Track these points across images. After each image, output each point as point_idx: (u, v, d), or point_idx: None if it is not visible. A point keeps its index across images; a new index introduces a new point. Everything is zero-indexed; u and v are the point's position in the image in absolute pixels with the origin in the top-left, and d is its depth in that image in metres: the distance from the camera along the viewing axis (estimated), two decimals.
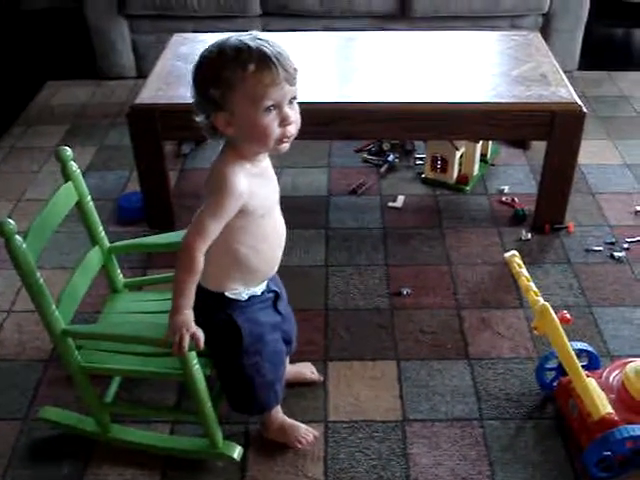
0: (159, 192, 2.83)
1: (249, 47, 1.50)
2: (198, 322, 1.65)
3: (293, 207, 2.98)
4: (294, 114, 1.58)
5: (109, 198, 3.11)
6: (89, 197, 2.00)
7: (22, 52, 4.64)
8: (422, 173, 3.21)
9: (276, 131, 1.56)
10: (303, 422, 2.07)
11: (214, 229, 1.59)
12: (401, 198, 3.06)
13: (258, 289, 1.81)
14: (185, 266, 1.61)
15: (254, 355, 1.82)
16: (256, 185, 1.63)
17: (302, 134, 2.76)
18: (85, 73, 4.31)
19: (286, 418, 2.04)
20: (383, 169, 3.25)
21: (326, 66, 2.97)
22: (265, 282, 1.83)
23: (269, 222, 1.73)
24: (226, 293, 1.75)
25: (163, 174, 2.79)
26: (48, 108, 4.03)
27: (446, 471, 1.97)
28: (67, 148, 1.93)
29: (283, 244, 1.81)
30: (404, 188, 3.15)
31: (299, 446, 2.01)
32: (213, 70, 1.53)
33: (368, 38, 3.29)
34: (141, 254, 2.71)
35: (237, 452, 1.99)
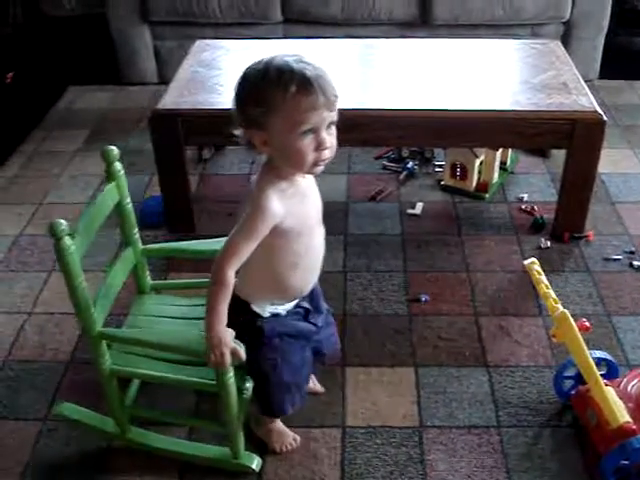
0: (180, 197, 2.86)
1: (292, 70, 1.51)
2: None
3: None
4: (330, 139, 1.58)
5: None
6: (129, 198, 2.03)
7: (45, 57, 4.68)
8: (441, 180, 3.21)
9: (311, 155, 1.56)
10: (321, 427, 2.09)
11: (245, 250, 1.61)
12: (420, 205, 3.06)
13: (282, 309, 1.82)
14: (216, 284, 1.64)
15: (272, 351, 1.82)
16: (292, 205, 1.63)
17: None
18: (107, 79, 4.35)
19: (279, 423, 2.05)
20: (402, 176, 3.26)
21: (347, 73, 2.97)
22: (293, 302, 1.84)
23: (307, 240, 1.72)
24: (252, 305, 1.78)
25: (184, 179, 2.81)
26: (70, 113, 4.08)
27: (463, 478, 1.97)
28: (114, 148, 1.94)
29: (321, 259, 1.82)
30: (423, 195, 3.16)
31: (279, 452, 2.03)
32: (254, 89, 1.55)
33: (389, 45, 3.30)
34: (161, 258, 2.72)
35: (256, 463, 1.99)
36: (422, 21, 4.04)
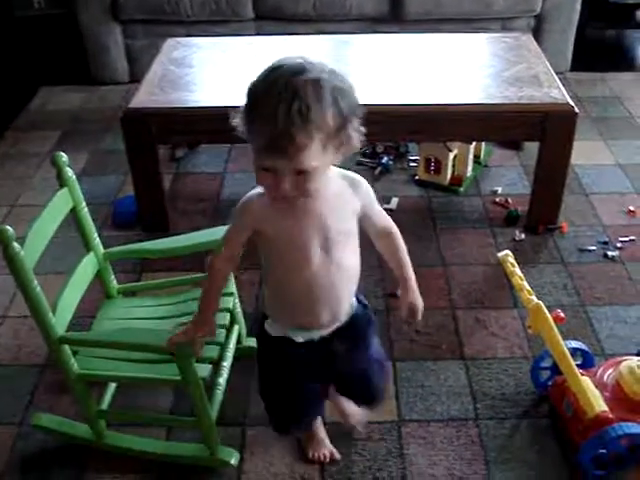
0: (153, 196, 2.84)
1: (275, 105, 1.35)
2: None
3: None
4: (286, 187, 1.40)
5: (104, 202, 3.11)
6: (84, 203, 2.01)
7: (15, 58, 4.64)
8: (416, 175, 3.22)
9: (270, 191, 1.45)
10: None
11: (228, 248, 1.64)
12: (395, 200, 3.07)
13: (296, 336, 1.69)
14: (208, 277, 1.71)
15: (266, 376, 1.83)
16: (278, 214, 1.52)
17: None
18: (78, 78, 4.31)
19: (322, 431, 2.03)
20: (377, 171, 3.26)
21: None
22: (307, 334, 1.70)
23: (301, 259, 1.56)
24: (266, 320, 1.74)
25: (157, 178, 2.79)
26: (42, 114, 4.03)
27: (442, 471, 1.98)
28: (62, 154, 1.93)
29: (334, 292, 1.64)
30: (398, 190, 3.16)
31: (310, 458, 2.00)
32: (246, 101, 1.44)
33: (361, 41, 3.30)
34: (135, 259, 2.70)
35: (234, 458, 1.99)
36: (393, 16, 4.04)
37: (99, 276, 2.12)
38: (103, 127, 3.78)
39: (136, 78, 4.00)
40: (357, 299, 1.76)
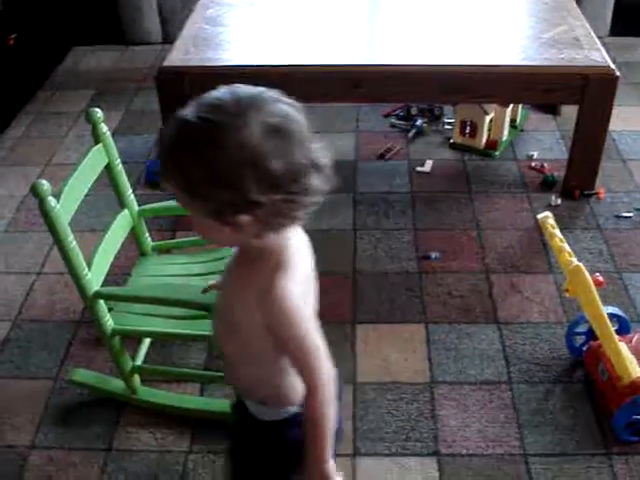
0: None
1: None
2: None
3: None
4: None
5: (137, 161, 3.11)
6: (118, 160, 2.00)
7: (47, 18, 4.63)
8: (450, 138, 3.18)
9: None
10: None
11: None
12: (429, 163, 3.04)
13: None
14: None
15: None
16: None
17: (329, 97, 2.79)
18: (111, 39, 4.30)
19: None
20: (411, 134, 3.23)
21: (353, 27, 2.93)
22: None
23: None
24: None
25: None
26: (74, 73, 4.03)
27: (474, 433, 1.97)
28: (98, 110, 1.92)
29: None
30: (432, 153, 3.13)
31: None
32: None
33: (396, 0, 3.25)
34: (170, 216, 2.71)
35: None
36: None
37: (134, 233, 2.12)
38: (136, 87, 3.78)
39: (168, 39, 3.99)
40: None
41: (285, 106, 1.10)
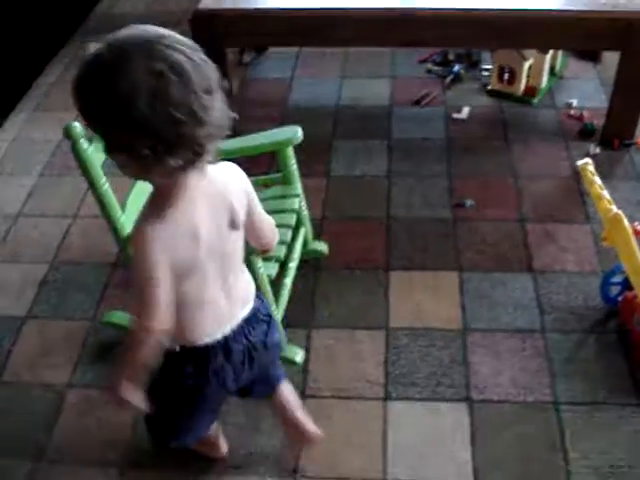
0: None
1: None
2: None
3: (355, 117, 2.98)
4: None
5: None
6: None
7: None
8: (488, 85, 3.12)
9: None
10: (365, 329, 2.12)
11: None
12: (466, 109, 3.00)
13: None
14: None
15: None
16: None
17: (364, 41, 2.75)
18: None
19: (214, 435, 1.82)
20: (448, 80, 3.18)
21: None
22: None
23: None
24: None
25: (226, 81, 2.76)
26: (109, 17, 4.02)
27: (506, 380, 1.97)
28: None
29: None
30: (469, 99, 3.08)
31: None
32: None
33: None
34: None
35: (300, 356, 2.03)
36: None
37: None
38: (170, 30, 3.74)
39: None
40: None
41: (176, 53, 1.12)
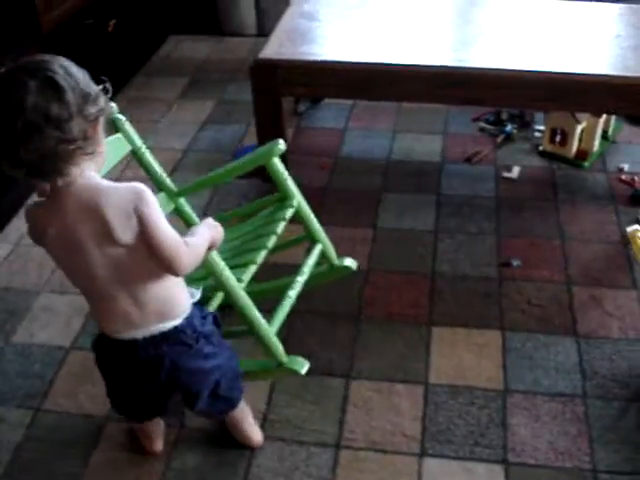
0: None
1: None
2: None
3: (405, 171, 3.01)
4: None
5: (226, 151, 3.17)
6: (144, 147, 2.08)
7: (146, 6, 4.74)
8: (540, 145, 3.13)
9: None
10: (404, 382, 2.11)
11: None
12: (516, 169, 3.00)
13: None
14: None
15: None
16: None
17: (419, 97, 2.79)
18: (207, 29, 4.39)
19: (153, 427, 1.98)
20: (500, 139, 3.20)
21: (448, 29, 2.93)
22: None
23: None
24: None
25: (281, 129, 2.81)
26: (170, 61, 4.14)
27: (545, 444, 1.95)
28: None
29: None
30: (520, 159, 3.09)
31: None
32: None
33: (494, 2, 3.21)
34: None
35: (304, 367, 1.96)
36: None
37: (179, 214, 2.16)
38: (228, 77, 3.85)
39: (263, 32, 4.05)
40: None
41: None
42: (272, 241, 2.00)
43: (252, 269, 1.93)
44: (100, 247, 1.46)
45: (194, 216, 2.19)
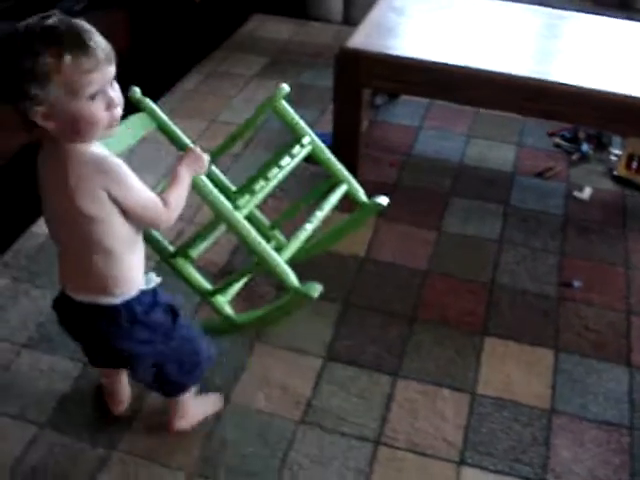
0: (350, 137, 2.86)
1: (60, 32, 1.34)
2: None
3: (476, 177, 2.99)
4: (118, 95, 1.45)
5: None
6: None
7: None
8: (615, 170, 3.08)
9: (104, 117, 1.43)
10: (451, 388, 2.11)
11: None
12: (588, 190, 2.96)
13: None
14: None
15: None
16: None
17: (497, 104, 2.76)
18: (292, 11, 4.40)
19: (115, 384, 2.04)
20: (575, 157, 3.15)
21: (533, 40, 2.90)
22: None
23: None
24: None
25: (357, 120, 2.82)
26: (251, 39, 4.16)
27: (585, 470, 1.92)
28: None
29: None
30: (593, 181, 3.04)
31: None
32: (21, 62, 1.33)
33: (581, 20, 3.15)
34: None
35: (317, 290, 1.90)
36: (621, 2, 3.85)
37: None
38: (307, 61, 3.86)
39: (349, 20, 4.05)
40: None
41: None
42: (273, 172, 2.11)
43: (247, 198, 2.03)
44: (64, 210, 1.48)
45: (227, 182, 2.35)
